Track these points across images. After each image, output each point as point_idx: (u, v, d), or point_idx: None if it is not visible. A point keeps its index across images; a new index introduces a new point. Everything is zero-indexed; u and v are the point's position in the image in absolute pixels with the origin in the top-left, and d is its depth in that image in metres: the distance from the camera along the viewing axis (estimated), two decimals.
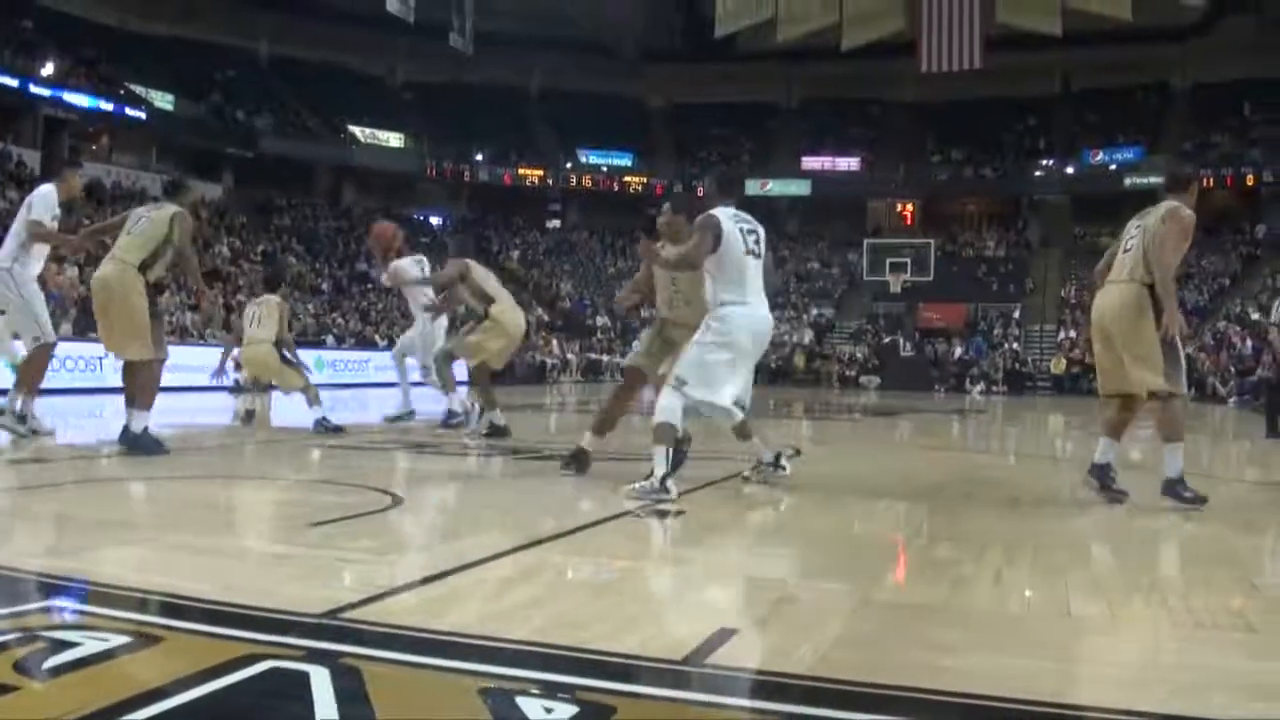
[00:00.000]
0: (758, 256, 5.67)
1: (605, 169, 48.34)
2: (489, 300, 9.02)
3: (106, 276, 7.11)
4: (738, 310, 5.54)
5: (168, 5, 40.60)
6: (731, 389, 5.61)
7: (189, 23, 41.08)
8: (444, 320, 10.60)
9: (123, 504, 5.37)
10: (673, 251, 5.92)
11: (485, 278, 9.20)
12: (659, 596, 3.20)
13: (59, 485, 5.74)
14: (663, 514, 4.93)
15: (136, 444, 6.90)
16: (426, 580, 3.30)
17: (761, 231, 5.78)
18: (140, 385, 7.08)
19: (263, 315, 10.03)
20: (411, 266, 10.69)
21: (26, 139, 34.01)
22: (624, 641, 2.58)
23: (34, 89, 34.19)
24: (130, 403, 7.08)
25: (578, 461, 6.21)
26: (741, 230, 5.61)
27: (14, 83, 33.60)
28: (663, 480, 5.25)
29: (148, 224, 7.19)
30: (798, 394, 27.25)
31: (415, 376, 10.96)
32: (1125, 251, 5.64)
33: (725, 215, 5.59)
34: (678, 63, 46.86)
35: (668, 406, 5.45)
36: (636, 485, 5.28)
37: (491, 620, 2.84)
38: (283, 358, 10.01)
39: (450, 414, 9.81)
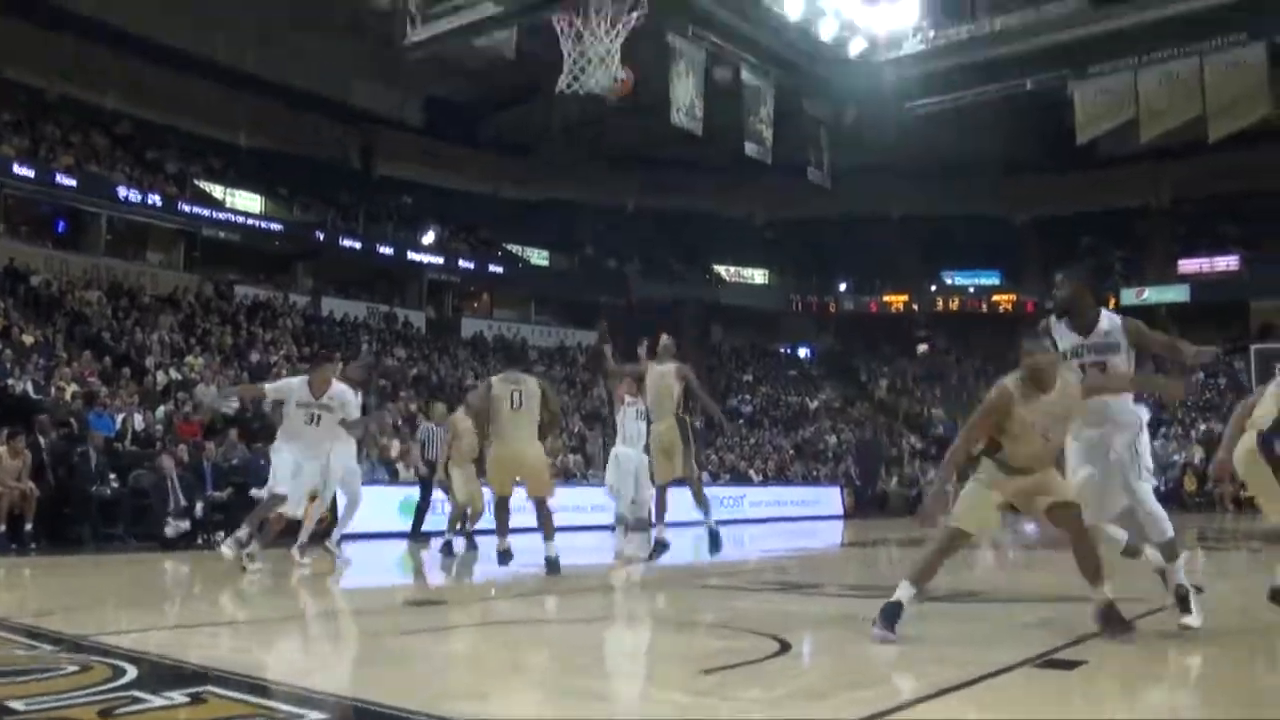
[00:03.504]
0: None
1: (972, 289, 47.04)
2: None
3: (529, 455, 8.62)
4: None
5: (540, 172, 44.06)
6: None
7: (559, 186, 44.24)
8: None
9: (519, 648, 5.47)
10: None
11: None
12: None
13: (456, 628, 6.07)
14: (1067, 665, 4.34)
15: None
16: None
17: None
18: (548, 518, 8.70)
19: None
20: None
21: (413, 301, 37.78)
22: None
23: (416, 256, 37.97)
24: (550, 536, 8.60)
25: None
26: None
27: (408, 255, 37.60)
28: None
29: (530, 399, 8.54)
30: (1190, 521, 24.25)
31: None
32: None
33: None
34: (1040, 174, 45.01)
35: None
36: None
37: None
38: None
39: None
